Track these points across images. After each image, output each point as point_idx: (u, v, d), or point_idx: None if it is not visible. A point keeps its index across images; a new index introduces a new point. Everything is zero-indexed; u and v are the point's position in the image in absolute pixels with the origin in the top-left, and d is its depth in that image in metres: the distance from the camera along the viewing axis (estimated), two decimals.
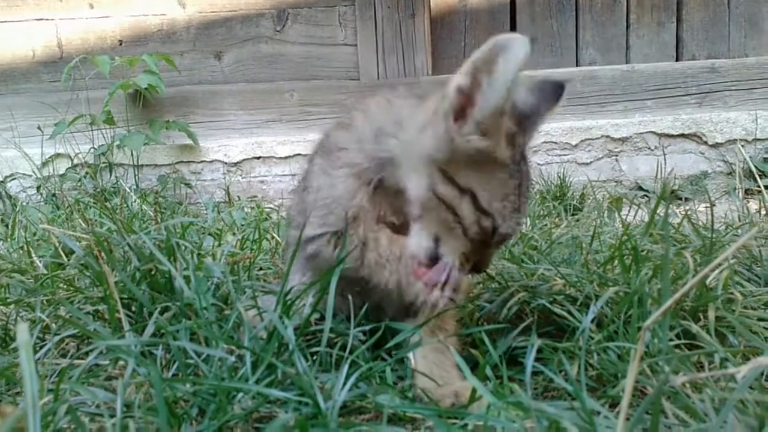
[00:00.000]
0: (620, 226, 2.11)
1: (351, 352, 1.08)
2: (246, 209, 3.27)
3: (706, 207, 1.80)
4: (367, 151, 1.14)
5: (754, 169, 2.75)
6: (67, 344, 1.35)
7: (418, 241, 1.11)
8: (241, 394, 0.99)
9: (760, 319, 1.23)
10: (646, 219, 1.78)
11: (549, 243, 1.85)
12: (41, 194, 3.63)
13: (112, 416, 0.89)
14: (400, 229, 1.16)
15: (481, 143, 1.01)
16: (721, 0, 4.01)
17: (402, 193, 1.11)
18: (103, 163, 3.69)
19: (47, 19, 3.89)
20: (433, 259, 1.11)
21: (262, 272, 1.88)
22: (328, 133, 1.27)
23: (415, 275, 1.11)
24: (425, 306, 1.13)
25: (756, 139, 3.79)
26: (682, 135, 3.83)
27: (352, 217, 1.14)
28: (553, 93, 1.16)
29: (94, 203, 2.94)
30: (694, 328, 1.17)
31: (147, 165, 3.81)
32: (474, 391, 0.94)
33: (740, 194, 2.78)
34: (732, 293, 1.29)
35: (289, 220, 1.56)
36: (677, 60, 4.07)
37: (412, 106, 1.12)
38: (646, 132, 3.83)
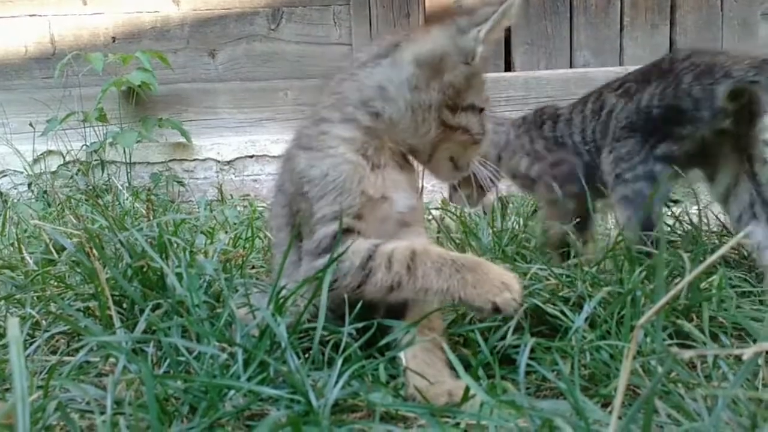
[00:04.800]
0: (613, 226, 2.12)
1: (343, 351, 1.08)
2: (239, 208, 3.26)
3: (698, 209, 1.80)
4: (360, 122, 1.25)
5: None
6: (57, 341, 1.34)
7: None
8: (232, 392, 0.99)
9: (754, 319, 1.24)
10: None
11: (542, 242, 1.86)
12: (32, 191, 3.60)
13: (102, 413, 0.88)
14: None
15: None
16: (714, 3, 4.02)
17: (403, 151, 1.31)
18: (96, 160, 3.67)
19: (40, 15, 3.86)
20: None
21: (254, 270, 1.88)
22: (300, 132, 1.36)
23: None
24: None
25: None
26: None
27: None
28: None
29: (85, 200, 2.92)
30: (687, 327, 1.17)
31: (139, 163, 3.79)
32: (467, 389, 0.94)
33: None
34: (725, 292, 1.29)
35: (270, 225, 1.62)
36: None
37: (390, 66, 1.27)
38: None
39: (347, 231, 1.20)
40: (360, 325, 1.16)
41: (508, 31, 4.05)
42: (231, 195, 3.78)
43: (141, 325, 1.17)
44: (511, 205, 2.76)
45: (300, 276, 1.23)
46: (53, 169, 3.72)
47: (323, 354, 1.12)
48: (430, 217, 2.08)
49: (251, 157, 3.82)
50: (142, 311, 1.25)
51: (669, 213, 2.00)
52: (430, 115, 1.25)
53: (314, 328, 1.11)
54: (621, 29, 4.07)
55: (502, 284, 1.07)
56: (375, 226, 1.24)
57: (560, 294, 1.34)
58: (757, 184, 1.58)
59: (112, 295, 1.29)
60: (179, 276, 1.33)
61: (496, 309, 1.06)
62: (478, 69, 1.28)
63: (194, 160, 3.83)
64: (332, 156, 1.23)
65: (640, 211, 1.58)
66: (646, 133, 1.62)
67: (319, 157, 1.24)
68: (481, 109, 1.32)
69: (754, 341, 1.18)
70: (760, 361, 1.02)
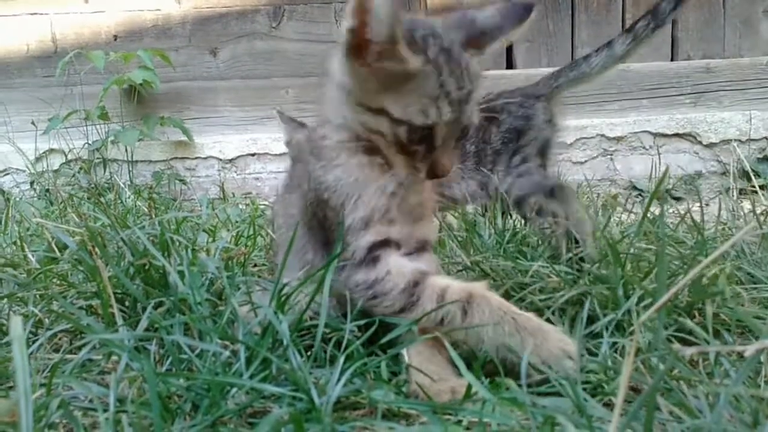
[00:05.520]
0: (615, 224, 2.12)
1: (346, 348, 1.08)
2: (241, 206, 3.26)
3: (700, 206, 1.80)
4: (349, 124, 1.21)
5: (748, 168, 2.76)
6: (60, 339, 1.34)
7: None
8: (234, 389, 0.99)
9: (757, 317, 1.23)
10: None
11: (544, 240, 1.85)
12: (35, 189, 3.61)
13: (105, 411, 0.88)
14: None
15: (389, 65, 1.09)
16: (716, 1, 4.02)
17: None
18: (98, 158, 3.67)
19: (41, 14, 3.87)
20: None
21: (256, 268, 1.88)
22: (308, 135, 1.34)
23: None
24: None
25: (750, 139, 3.80)
26: (677, 135, 3.84)
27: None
28: (518, 14, 1.21)
29: (88, 198, 2.92)
30: (689, 324, 1.17)
31: (141, 161, 3.80)
32: (469, 386, 0.94)
33: (734, 194, 2.79)
34: (730, 288, 1.29)
35: (275, 226, 1.61)
36: (672, 60, 4.08)
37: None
38: (641, 131, 3.84)
39: (383, 243, 1.17)
40: (362, 322, 1.16)
41: None
42: (233, 193, 3.78)
43: (143, 323, 1.17)
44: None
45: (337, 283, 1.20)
46: (55, 168, 3.73)
47: (325, 351, 1.12)
48: None
49: (253, 155, 3.83)
50: (144, 309, 1.25)
51: (672, 210, 1.99)
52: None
53: (316, 326, 1.11)
54: (623, 27, 4.06)
55: (562, 351, 1.03)
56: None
57: (561, 292, 1.34)
58: None
59: (115, 293, 1.29)
60: (181, 274, 1.33)
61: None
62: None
63: (196, 158, 3.84)
64: (339, 165, 1.21)
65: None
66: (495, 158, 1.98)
67: (329, 166, 1.22)
68: None
69: (757, 338, 1.18)
70: (762, 358, 1.02)
